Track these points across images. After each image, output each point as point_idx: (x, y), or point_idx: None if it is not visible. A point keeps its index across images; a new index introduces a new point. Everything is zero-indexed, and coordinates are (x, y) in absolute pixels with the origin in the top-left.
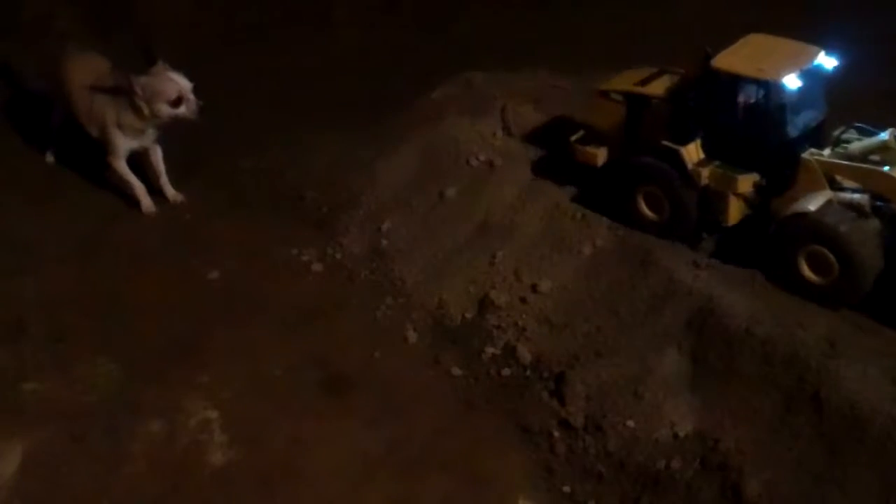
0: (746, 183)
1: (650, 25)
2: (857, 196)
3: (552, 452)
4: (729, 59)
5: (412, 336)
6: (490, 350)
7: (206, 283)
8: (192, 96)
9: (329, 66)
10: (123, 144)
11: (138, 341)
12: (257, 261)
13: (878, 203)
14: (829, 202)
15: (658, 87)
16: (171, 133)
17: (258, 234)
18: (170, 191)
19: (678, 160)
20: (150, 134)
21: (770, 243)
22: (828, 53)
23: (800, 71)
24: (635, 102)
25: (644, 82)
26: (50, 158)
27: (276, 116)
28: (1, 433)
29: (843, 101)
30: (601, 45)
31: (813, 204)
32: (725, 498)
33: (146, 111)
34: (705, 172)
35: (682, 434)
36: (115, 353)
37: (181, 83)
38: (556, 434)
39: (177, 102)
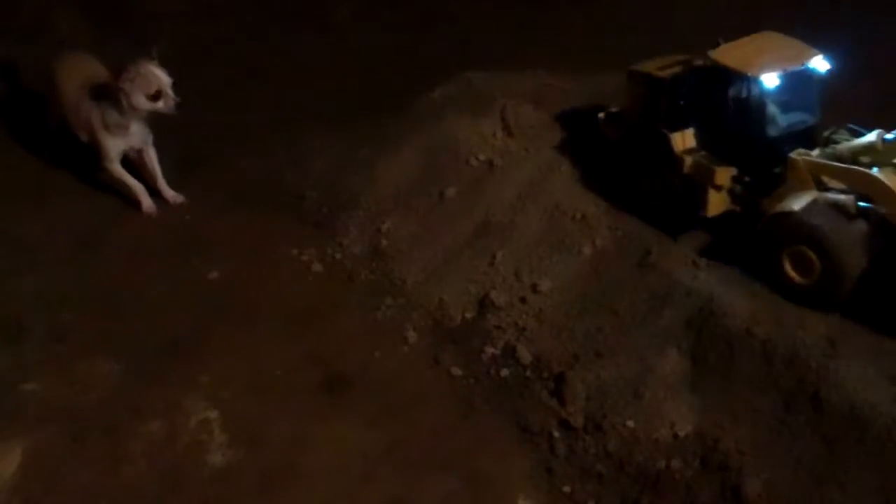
0: (724, 175)
1: (650, 25)
2: (841, 197)
3: (552, 452)
4: (725, 51)
5: (412, 336)
6: (490, 350)
7: (206, 283)
8: (170, 91)
9: (329, 67)
10: (113, 147)
11: (138, 341)
12: (257, 261)
13: (863, 204)
14: (814, 202)
15: (669, 73)
16: (170, 133)
17: (258, 234)
18: (168, 192)
19: (668, 145)
20: (136, 132)
21: (756, 241)
22: (826, 57)
23: (784, 70)
24: (650, 85)
25: (664, 68)
26: (48, 159)
27: (276, 116)
28: (1, 433)
29: (848, 104)
30: (601, 45)
31: (797, 203)
32: (725, 498)
33: (125, 104)
34: (689, 161)
35: (682, 434)
36: (115, 353)
37: (162, 78)
38: (556, 434)
39: (156, 97)
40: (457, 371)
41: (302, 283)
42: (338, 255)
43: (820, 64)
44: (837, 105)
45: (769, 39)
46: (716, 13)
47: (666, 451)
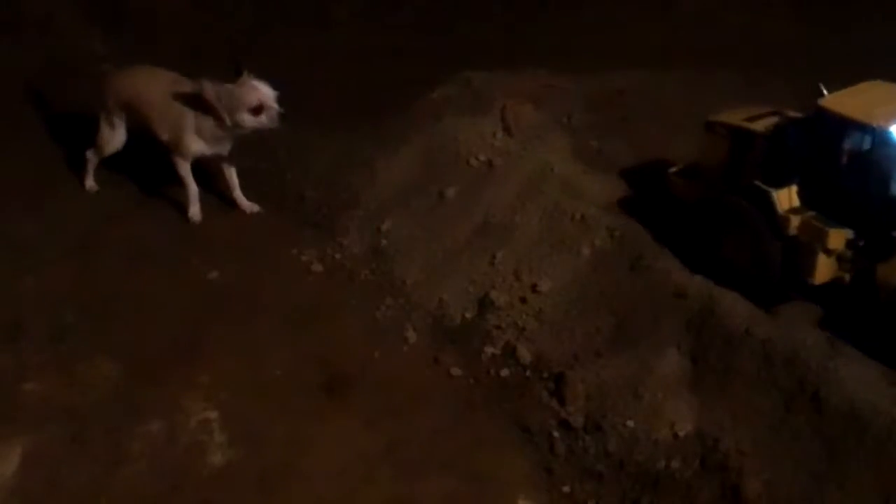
0: (838, 238)
1: (650, 25)
2: None
3: (552, 452)
4: (839, 100)
5: (412, 336)
6: (490, 350)
7: (206, 283)
8: (273, 104)
9: (329, 66)
10: (195, 147)
11: (138, 341)
12: (257, 261)
13: None
14: None
15: (763, 124)
16: None
17: (258, 234)
18: (244, 203)
19: (768, 204)
20: (227, 144)
21: (882, 314)
22: None
23: None
24: (738, 138)
25: (753, 119)
26: (92, 185)
27: None
28: (1, 433)
29: None
30: (601, 45)
31: None
32: (725, 498)
33: (228, 121)
34: (795, 221)
35: (682, 434)
36: (115, 353)
37: (263, 91)
38: (556, 434)
39: (258, 110)
40: (457, 371)
41: (302, 283)
42: (338, 256)
43: None
44: None
45: (882, 88)
46: (716, 13)
47: (666, 451)
